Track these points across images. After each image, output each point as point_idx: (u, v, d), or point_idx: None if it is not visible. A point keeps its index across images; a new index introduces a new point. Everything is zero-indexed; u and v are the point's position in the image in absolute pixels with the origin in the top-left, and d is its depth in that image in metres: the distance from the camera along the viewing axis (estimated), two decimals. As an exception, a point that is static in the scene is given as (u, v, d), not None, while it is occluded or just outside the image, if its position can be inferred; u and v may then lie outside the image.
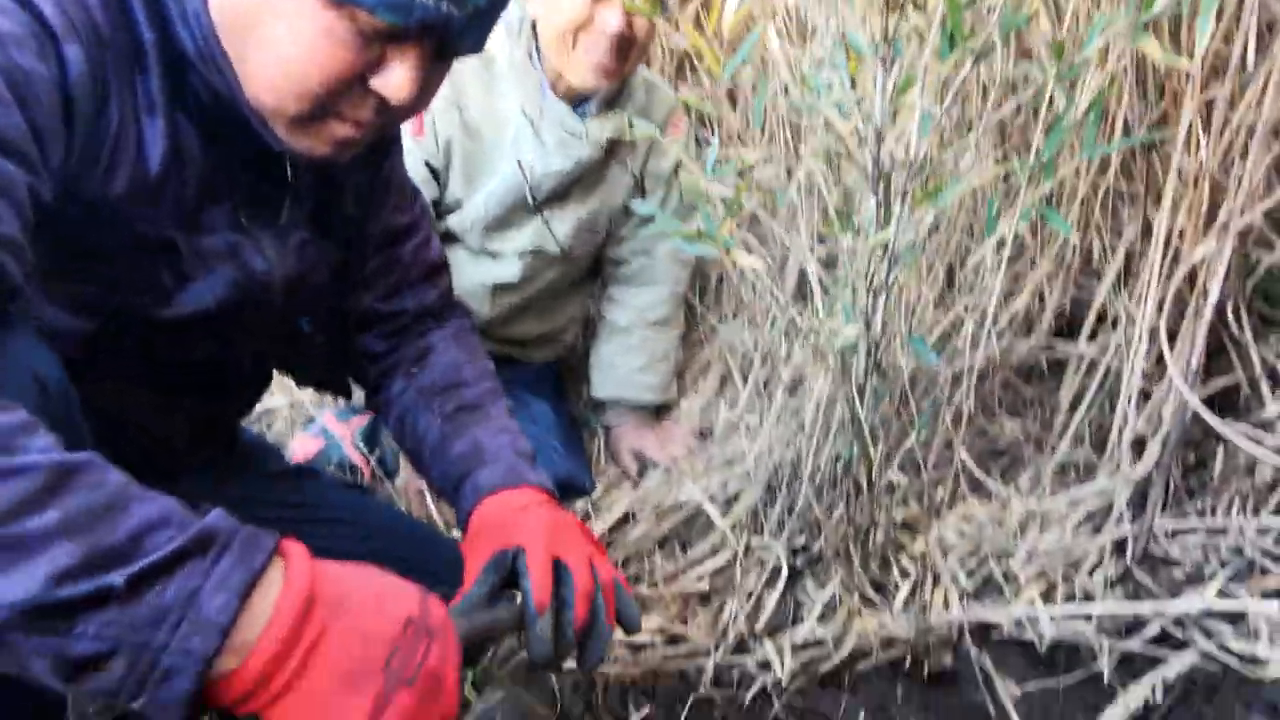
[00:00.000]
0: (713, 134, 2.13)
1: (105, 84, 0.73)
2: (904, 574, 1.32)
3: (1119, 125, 1.51)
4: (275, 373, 1.13)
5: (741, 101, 2.09)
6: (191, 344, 0.89)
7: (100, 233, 0.77)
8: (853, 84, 1.17)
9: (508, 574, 0.88)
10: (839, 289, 1.28)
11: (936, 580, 1.31)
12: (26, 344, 0.68)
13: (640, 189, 1.71)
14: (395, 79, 0.76)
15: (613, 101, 1.60)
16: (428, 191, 1.53)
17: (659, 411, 1.85)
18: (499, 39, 1.54)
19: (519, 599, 0.87)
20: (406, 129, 1.40)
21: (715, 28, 1.16)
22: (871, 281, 1.22)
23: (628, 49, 1.48)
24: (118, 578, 0.54)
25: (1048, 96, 1.32)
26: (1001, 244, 1.57)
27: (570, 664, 0.90)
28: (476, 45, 0.81)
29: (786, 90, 1.70)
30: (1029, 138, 1.61)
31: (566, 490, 1.59)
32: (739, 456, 1.60)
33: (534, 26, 1.53)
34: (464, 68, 1.52)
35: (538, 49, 1.54)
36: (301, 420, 1.85)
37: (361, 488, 1.61)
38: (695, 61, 2.20)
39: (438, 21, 0.73)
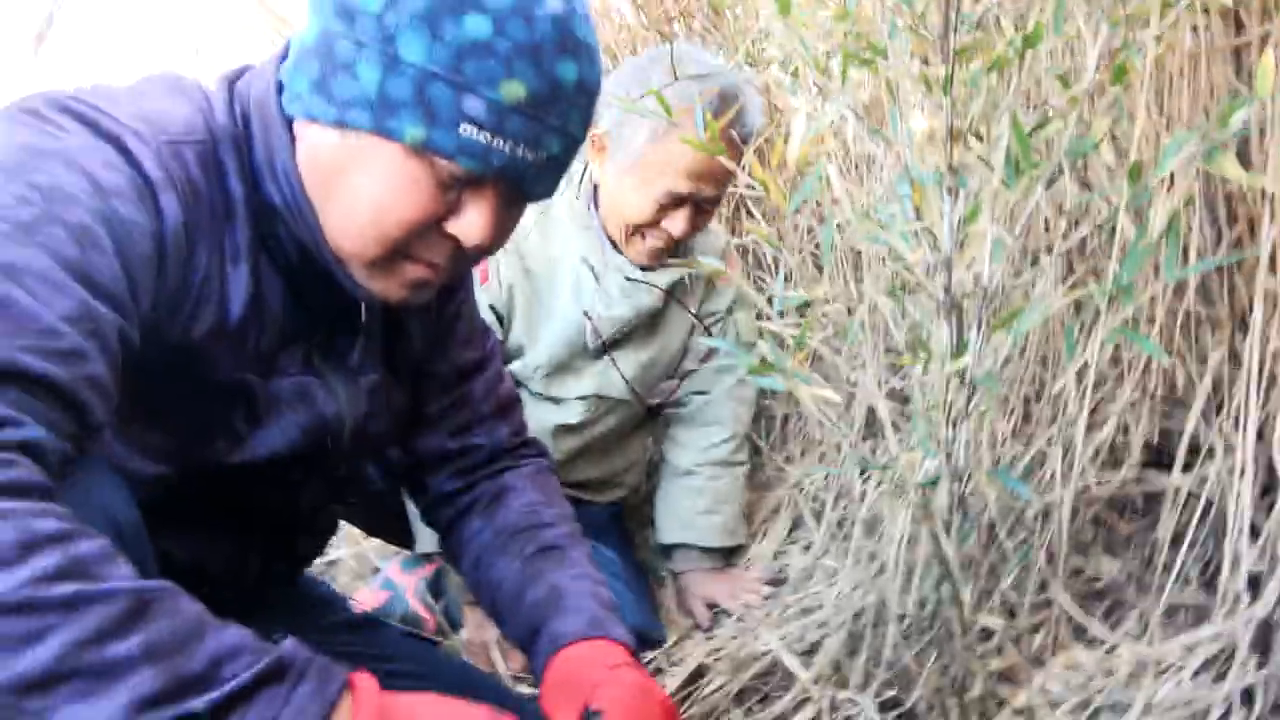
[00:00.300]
0: (768, 274, 2.13)
1: (195, 233, 0.76)
2: (1007, 731, 1.20)
3: (1193, 247, 1.47)
4: (341, 524, 1.11)
5: (797, 239, 2.09)
6: (260, 488, 0.89)
7: (176, 377, 0.78)
8: (918, 214, 1.15)
9: None
10: (915, 421, 1.22)
11: (1046, 738, 1.19)
12: (101, 483, 0.70)
13: (703, 330, 1.71)
14: (471, 223, 0.78)
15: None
16: (494, 338, 1.54)
17: (729, 556, 1.77)
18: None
19: None
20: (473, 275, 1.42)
21: (780, 162, 1.16)
22: (950, 411, 1.17)
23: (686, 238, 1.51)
24: (199, 703, 0.56)
25: (1118, 222, 1.29)
26: (1083, 371, 1.51)
27: None
28: (548, 191, 0.83)
29: (841, 228, 1.69)
30: (1099, 263, 1.57)
31: (638, 642, 1.51)
32: (816, 603, 1.51)
33: (595, 187, 1.57)
34: (520, 210, 1.56)
35: (595, 203, 1.57)
36: (366, 572, 1.81)
37: (426, 639, 1.54)
38: (752, 206, 2.22)
39: (514, 168, 0.76)
